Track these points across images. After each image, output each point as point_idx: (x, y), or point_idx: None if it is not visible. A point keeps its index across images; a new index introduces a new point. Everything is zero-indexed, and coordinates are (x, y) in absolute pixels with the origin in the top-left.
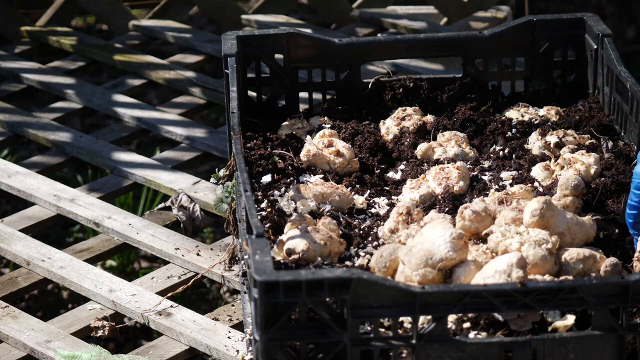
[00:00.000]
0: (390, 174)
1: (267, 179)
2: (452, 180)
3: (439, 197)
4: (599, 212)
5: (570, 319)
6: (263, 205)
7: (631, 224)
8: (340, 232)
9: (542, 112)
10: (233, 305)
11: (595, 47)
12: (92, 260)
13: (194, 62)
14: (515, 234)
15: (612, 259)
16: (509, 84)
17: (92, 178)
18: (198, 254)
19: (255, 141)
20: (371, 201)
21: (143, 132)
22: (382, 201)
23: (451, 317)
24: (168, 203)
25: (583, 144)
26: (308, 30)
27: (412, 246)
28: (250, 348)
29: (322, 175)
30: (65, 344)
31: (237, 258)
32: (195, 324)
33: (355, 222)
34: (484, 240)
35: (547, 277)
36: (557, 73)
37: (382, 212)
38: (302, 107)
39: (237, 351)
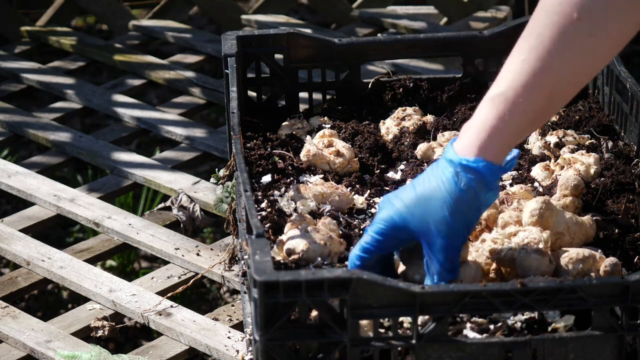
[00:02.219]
0: (390, 174)
1: (267, 179)
2: None
3: None
4: (599, 212)
5: (570, 319)
6: (263, 205)
7: (357, 266)
8: (340, 232)
9: None
10: (233, 305)
11: None
12: (92, 260)
13: (194, 62)
14: (505, 240)
15: (612, 259)
16: None
17: (92, 178)
18: (198, 254)
19: (255, 141)
20: (371, 201)
21: (143, 132)
22: None
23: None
24: (168, 203)
25: (583, 144)
26: (308, 30)
27: None
28: (250, 348)
29: (322, 175)
30: (65, 344)
31: (237, 258)
32: (195, 324)
33: (355, 222)
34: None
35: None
36: None
37: None
38: (302, 107)
39: (237, 351)
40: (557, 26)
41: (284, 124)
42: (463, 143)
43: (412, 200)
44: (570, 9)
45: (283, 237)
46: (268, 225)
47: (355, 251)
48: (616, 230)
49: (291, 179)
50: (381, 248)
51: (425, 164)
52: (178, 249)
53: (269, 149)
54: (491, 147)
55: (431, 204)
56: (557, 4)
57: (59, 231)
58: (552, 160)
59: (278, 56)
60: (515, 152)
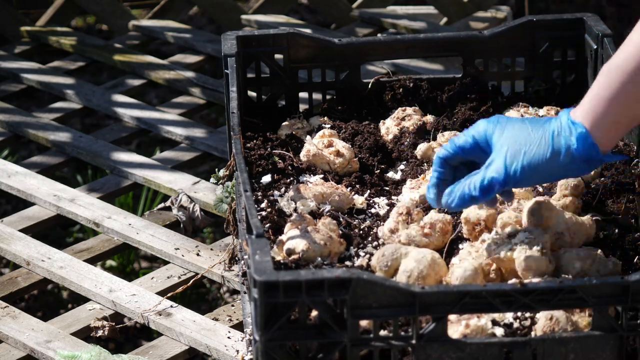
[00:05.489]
0: (390, 174)
1: (267, 179)
2: None
3: None
4: (599, 212)
5: None
6: (263, 205)
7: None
8: (340, 232)
9: (542, 112)
10: (233, 305)
11: (595, 47)
12: (92, 260)
13: (194, 62)
14: (505, 240)
15: (612, 259)
16: (509, 84)
17: (92, 178)
18: (198, 254)
19: (255, 141)
20: (371, 201)
21: (143, 132)
22: (382, 201)
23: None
24: (168, 203)
25: None
26: (308, 30)
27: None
28: (250, 348)
29: (322, 176)
30: (65, 344)
31: (237, 258)
32: (195, 324)
33: (355, 222)
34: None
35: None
36: (557, 73)
37: (382, 212)
38: (302, 107)
39: (237, 351)
40: None
41: (284, 124)
42: (577, 109)
43: (512, 124)
44: None
45: (283, 237)
46: (268, 225)
47: (454, 139)
48: (616, 230)
49: (291, 179)
50: (465, 149)
51: (425, 164)
52: (178, 249)
53: (269, 149)
54: (598, 118)
55: (522, 134)
56: None
57: (59, 231)
58: None
59: (278, 56)
60: (622, 157)
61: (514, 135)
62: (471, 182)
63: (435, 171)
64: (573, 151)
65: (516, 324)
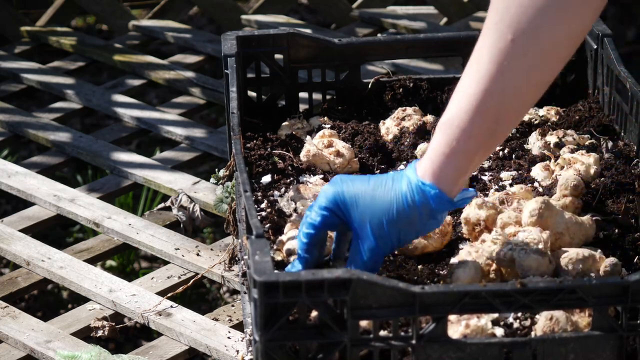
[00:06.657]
0: None
1: (267, 179)
2: None
3: None
4: (599, 212)
5: None
6: (263, 205)
7: (305, 245)
8: None
9: (542, 112)
10: (233, 306)
11: (595, 47)
12: (92, 261)
13: (194, 62)
14: (505, 240)
15: (612, 259)
16: None
17: (92, 178)
18: (198, 254)
19: (255, 141)
20: None
21: (143, 132)
22: None
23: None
24: (168, 203)
25: (583, 144)
26: (308, 30)
27: None
28: (250, 348)
29: (322, 176)
30: (65, 344)
31: (237, 258)
32: (195, 324)
33: None
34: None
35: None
36: None
37: None
38: (302, 107)
39: (237, 351)
40: (494, 48)
41: (284, 124)
42: (422, 165)
43: (361, 192)
44: (505, 29)
45: (283, 237)
46: (268, 225)
47: (302, 229)
48: (616, 230)
49: (291, 179)
50: (326, 224)
51: None
52: (178, 249)
53: (269, 149)
54: (444, 174)
55: (376, 204)
56: (493, 25)
57: (59, 231)
58: (552, 161)
59: (278, 56)
60: (471, 192)
61: (370, 206)
62: (354, 264)
63: (301, 249)
64: (432, 208)
65: (516, 324)
